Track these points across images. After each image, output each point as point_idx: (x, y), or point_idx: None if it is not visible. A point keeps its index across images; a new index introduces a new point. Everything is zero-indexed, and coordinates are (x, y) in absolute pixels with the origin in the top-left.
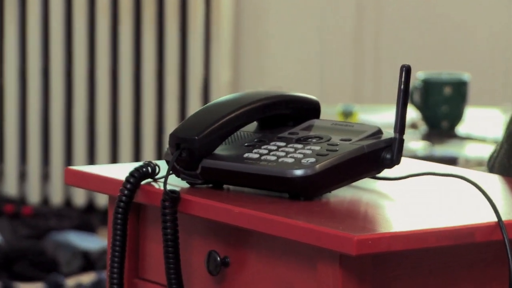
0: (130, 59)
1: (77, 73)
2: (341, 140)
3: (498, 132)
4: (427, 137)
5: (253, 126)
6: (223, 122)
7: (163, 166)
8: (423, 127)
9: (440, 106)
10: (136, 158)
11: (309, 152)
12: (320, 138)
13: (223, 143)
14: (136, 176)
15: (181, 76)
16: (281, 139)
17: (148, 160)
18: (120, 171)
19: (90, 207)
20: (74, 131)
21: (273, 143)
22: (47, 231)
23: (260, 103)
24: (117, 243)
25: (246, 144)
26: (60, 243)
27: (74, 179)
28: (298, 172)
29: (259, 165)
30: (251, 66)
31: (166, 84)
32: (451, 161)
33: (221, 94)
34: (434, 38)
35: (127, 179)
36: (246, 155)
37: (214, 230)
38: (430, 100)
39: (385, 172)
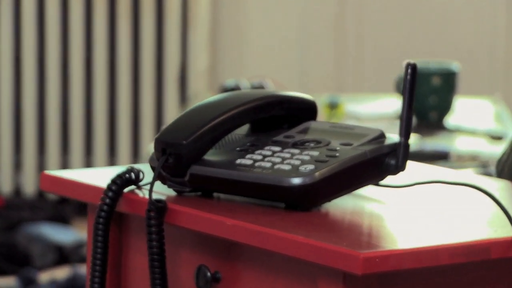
0: (105, 45)
1: (50, 60)
2: (341, 144)
3: (489, 124)
4: (416, 129)
5: (244, 128)
6: (213, 125)
7: (147, 171)
8: None
9: (428, 97)
10: (111, 145)
11: (307, 158)
12: (318, 142)
13: (213, 147)
14: (119, 183)
15: (157, 63)
16: (276, 143)
17: (123, 146)
18: (101, 176)
19: (64, 198)
20: (47, 119)
21: (267, 147)
22: (20, 223)
23: (253, 104)
24: (98, 255)
25: (238, 148)
26: (33, 235)
27: (51, 185)
28: (296, 181)
29: (253, 173)
30: (229, 53)
31: (142, 71)
32: (443, 155)
33: (198, 82)
34: (420, 26)
35: (109, 187)
36: (238, 161)
37: (204, 243)
38: (418, 90)
39: (389, 179)
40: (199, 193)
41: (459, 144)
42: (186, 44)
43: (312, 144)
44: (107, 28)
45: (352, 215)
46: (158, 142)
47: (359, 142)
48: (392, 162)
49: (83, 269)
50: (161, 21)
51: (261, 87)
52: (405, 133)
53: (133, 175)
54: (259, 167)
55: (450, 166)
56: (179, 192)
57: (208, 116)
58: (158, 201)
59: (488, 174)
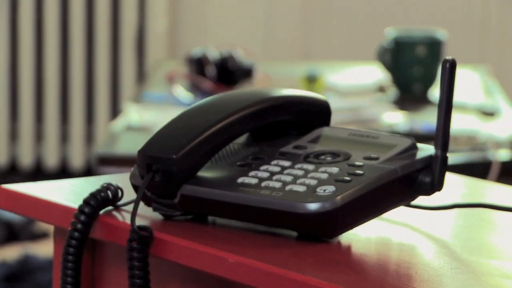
0: (56, 5)
1: None
2: (365, 158)
3: (479, 98)
4: (399, 103)
5: (243, 136)
6: (209, 135)
7: (126, 188)
8: (392, 91)
9: (412, 68)
10: (63, 111)
11: (324, 176)
12: (336, 155)
13: (209, 162)
14: (93, 204)
15: (113, 25)
16: (284, 155)
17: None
18: (70, 190)
19: (13, 168)
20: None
21: (274, 161)
22: None
23: (256, 108)
24: None
25: (238, 163)
26: None
27: (10, 203)
28: (313, 207)
29: (260, 195)
30: (190, 14)
31: (97, 33)
32: None
33: (157, 47)
34: None
35: (81, 209)
36: (240, 179)
37: (198, 280)
38: (401, 60)
39: (421, 199)
40: (190, 216)
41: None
42: (144, 4)
43: (329, 158)
44: None
45: (381, 248)
46: (142, 156)
47: (386, 156)
48: (427, 180)
49: (34, 249)
50: None
51: (231, 57)
52: (442, 144)
53: (109, 193)
54: (267, 188)
55: None
56: (167, 217)
57: (202, 124)
58: (142, 228)
59: (487, 158)
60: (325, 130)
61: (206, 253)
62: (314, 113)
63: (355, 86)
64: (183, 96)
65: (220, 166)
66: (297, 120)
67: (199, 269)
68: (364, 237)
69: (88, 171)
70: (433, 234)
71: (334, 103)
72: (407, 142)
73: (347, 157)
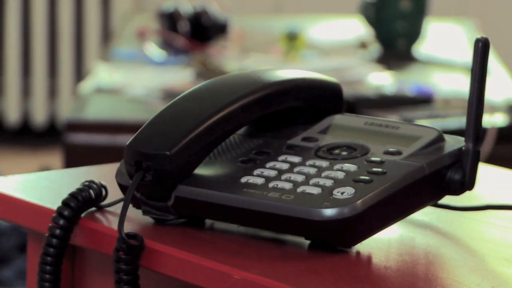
0: None
1: None
2: (386, 153)
3: (465, 55)
4: (382, 60)
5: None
6: (207, 127)
7: (110, 186)
8: (375, 47)
9: (395, 22)
10: (25, 63)
11: (341, 175)
12: (353, 149)
13: (207, 158)
14: (73, 206)
15: None
16: (293, 149)
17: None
18: (45, 186)
19: None
20: None
21: (282, 157)
22: None
23: (260, 94)
24: None
25: (241, 159)
26: None
27: None
28: (331, 213)
29: (268, 199)
30: None
31: None
32: (426, 99)
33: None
34: None
35: (60, 212)
36: (244, 179)
37: None
38: (384, 15)
39: (449, 198)
40: (183, 220)
41: (440, 83)
42: None
43: (344, 153)
44: None
45: (403, 258)
46: (131, 152)
47: (410, 150)
48: (457, 177)
49: None
50: None
51: (204, 11)
52: (474, 136)
53: (92, 192)
54: (275, 189)
55: (436, 114)
56: (159, 221)
57: (199, 114)
58: (131, 236)
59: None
60: (337, 119)
61: (206, 267)
62: (325, 99)
63: (336, 42)
64: (155, 54)
65: (219, 163)
66: (306, 107)
67: (198, 285)
68: (385, 244)
69: (51, 128)
70: (465, 240)
71: (317, 64)
72: (433, 133)
73: (365, 151)
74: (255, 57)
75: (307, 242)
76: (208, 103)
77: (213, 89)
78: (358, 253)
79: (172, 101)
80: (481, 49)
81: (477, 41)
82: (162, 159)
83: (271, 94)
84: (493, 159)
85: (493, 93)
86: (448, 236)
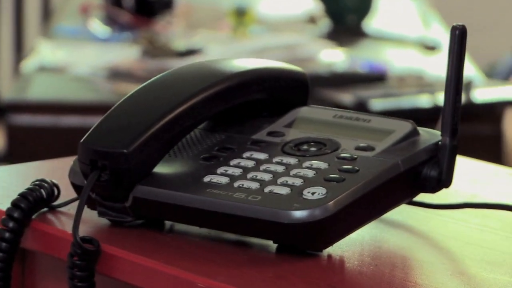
0: None
1: None
2: (358, 149)
3: (417, 30)
4: (332, 35)
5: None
6: (167, 123)
7: (63, 185)
8: (324, 22)
9: None
10: None
11: (311, 174)
12: (322, 144)
13: (166, 156)
14: (24, 207)
15: None
16: (258, 145)
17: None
18: None
19: None
20: None
21: (247, 153)
22: None
23: (222, 86)
24: None
25: (203, 156)
26: None
27: None
28: (301, 215)
29: (233, 200)
30: None
31: None
32: (379, 76)
33: None
34: None
35: (9, 214)
36: (207, 178)
37: None
38: None
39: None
40: (141, 221)
41: (392, 59)
42: None
43: (313, 149)
44: None
45: (377, 262)
46: (85, 150)
47: (383, 145)
48: (433, 174)
49: None
50: None
51: None
52: (451, 130)
53: (43, 192)
54: (241, 189)
55: (390, 92)
56: (116, 223)
57: (158, 109)
58: (87, 240)
59: (437, 102)
60: (303, 111)
61: (169, 275)
62: (291, 90)
63: (285, 17)
64: (99, 30)
65: (180, 160)
66: (270, 99)
67: None
68: (357, 246)
69: None
70: (442, 241)
71: (267, 40)
72: (407, 126)
73: (336, 147)
74: (203, 34)
75: (275, 245)
76: (167, 97)
77: (172, 82)
78: (329, 257)
79: (128, 95)
80: (458, 37)
81: (454, 29)
82: (119, 158)
83: (233, 86)
84: None
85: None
86: (424, 236)
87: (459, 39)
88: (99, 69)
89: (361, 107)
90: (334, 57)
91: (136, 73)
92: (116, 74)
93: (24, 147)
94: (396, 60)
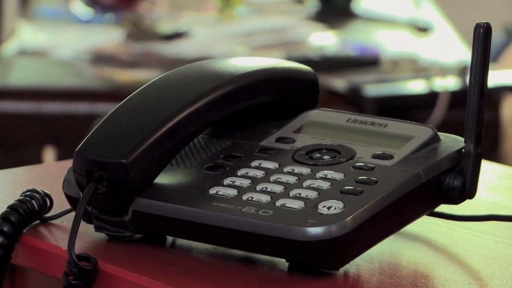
0: None
1: None
2: (375, 157)
3: (408, 10)
4: (321, 16)
5: None
6: (168, 130)
7: (56, 196)
8: (312, 2)
9: None
10: None
11: (326, 186)
12: (336, 152)
13: (168, 165)
14: (14, 220)
15: None
16: (266, 152)
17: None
18: None
19: None
20: None
21: (255, 162)
22: None
23: (228, 89)
24: None
25: (207, 165)
26: None
27: None
28: (316, 232)
29: (242, 215)
30: None
31: None
32: (372, 60)
33: None
34: None
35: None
36: (212, 190)
37: None
38: None
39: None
40: (140, 235)
41: (385, 41)
42: None
43: (326, 157)
44: None
45: (398, 281)
46: (80, 160)
47: (402, 153)
48: (456, 183)
49: None
50: None
51: None
52: (475, 136)
53: (35, 204)
54: (250, 203)
55: (384, 77)
56: (115, 238)
57: (158, 115)
58: (83, 258)
59: (433, 88)
60: (313, 115)
61: None
62: (300, 92)
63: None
64: (81, 12)
65: (183, 170)
66: (278, 102)
67: None
68: (375, 264)
69: None
70: (466, 257)
71: (256, 24)
72: (427, 132)
73: (351, 155)
74: (189, 16)
75: (286, 263)
76: (169, 101)
77: (174, 84)
78: (346, 276)
79: (126, 98)
80: (482, 36)
81: (478, 27)
82: (118, 169)
83: (240, 89)
84: (445, 125)
85: (444, 54)
86: (447, 251)
87: (483, 39)
88: (82, 53)
89: (354, 93)
90: (324, 40)
91: (120, 57)
92: (100, 58)
93: (5, 135)
94: (388, 42)
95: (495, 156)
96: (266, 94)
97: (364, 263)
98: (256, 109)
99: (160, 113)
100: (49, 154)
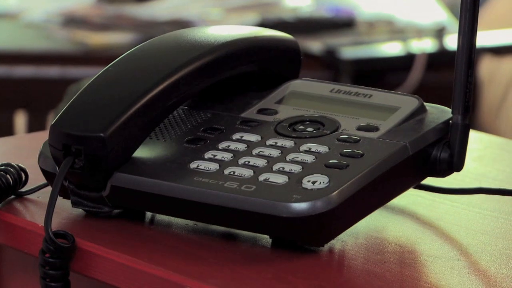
0: None
1: None
2: (360, 129)
3: None
4: None
5: None
6: (147, 102)
7: (31, 170)
8: None
9: None
10: None
11: (310, 159)
12: (320, 123)
13: (147, 139)
14: None
15: None
16: (248, 124)
17: None
18: None
19: None
20: None
21: (236, 135)
22: None
23: (207, 59)
24: None
25: (187, 138)
26: None
27: None
28: (301, 208)
29: (224, 190)
30: None
31: None
32: (347, 22)
33: None
34: None
35: None
36: (193, 164)
37: None
38: None
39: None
40: (119, 210)
41: (360, 2)
42: None
43: (310, 129)
44: None
45: (384, 257)
46: (57, 134)
47: (388, 124)
48: (444, 156)
49: None
50: None
51: None
52: (463, 107)
53: (9, 178)
54: (233, 177)
55: (360, 39)
56: (92, 213)
57: (136, 88)
58: (60, 235)
59: (409, 52)
60: (296, 85)
61: (153, 276)
62: (282, 61)
63: None
64: None
65: (163, 143)
66: (259, 72)
67: None
68: (361, 240)
69: None
70: (454, 231)
71: None
72: (413, 102)
73: (335, 127)
74: None
75: (270, 239)
76: (147, 72)
77: (152, 55)
78: (331, 252)
79: (102, 70)
80: (470, 3)
81: None
82: (95, 142)
83: (220, 59)
84: (422, 88)
85: (420, 16)
86: (434, 226)
87: (471, 6)
88: (53, 15)
89: (330, 55)
90: (299, 2)
91: (92, 20)
92: (72, 21)
93: None
94: (364, 3)
95: (471, 118)
96: (247, 64)
97: (350, 238)
98: (237, 80)
99: (138, 85)
100: (20, 118)
